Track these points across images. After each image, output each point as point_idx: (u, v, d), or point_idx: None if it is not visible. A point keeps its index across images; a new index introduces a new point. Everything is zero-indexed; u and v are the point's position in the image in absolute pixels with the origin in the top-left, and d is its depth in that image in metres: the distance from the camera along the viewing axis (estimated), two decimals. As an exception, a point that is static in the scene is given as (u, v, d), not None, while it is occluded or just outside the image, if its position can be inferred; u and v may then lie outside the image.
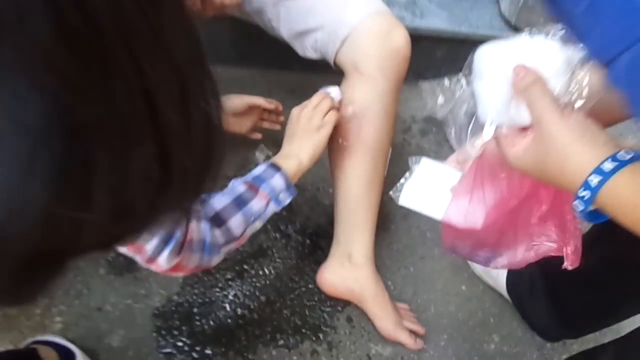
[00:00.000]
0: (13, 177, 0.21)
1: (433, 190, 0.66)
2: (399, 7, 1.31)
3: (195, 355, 0.96)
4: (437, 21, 1.32)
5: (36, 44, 0.20)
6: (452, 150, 1.17)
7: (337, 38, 0.91)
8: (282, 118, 1.16)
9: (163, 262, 0.67)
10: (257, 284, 1.05)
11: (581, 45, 0.50)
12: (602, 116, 0.52)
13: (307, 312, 1.02)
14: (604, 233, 0.82)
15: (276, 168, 0.81)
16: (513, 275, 1.03)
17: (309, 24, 0.93)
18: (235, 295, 1.03)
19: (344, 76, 0.95)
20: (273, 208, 0.80)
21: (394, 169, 1.17)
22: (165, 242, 0.66)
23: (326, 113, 0.86)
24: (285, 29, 0.97)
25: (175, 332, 0.98)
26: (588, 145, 0.46)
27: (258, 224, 0.80)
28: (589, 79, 0.51)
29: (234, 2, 0.90)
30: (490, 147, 0.58)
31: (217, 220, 0.74)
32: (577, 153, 0.46)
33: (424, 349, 1.00)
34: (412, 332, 0.99)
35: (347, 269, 0.98)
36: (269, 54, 1.38)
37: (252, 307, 1.02)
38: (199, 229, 0.71)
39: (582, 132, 0.47)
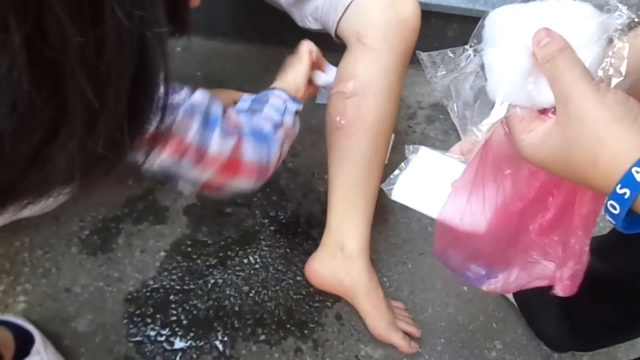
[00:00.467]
0: None
1: (431, 184, 0.57)
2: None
3: (166, 346, 0.88)
4: (449, -5, 1.20)
5: None
6: (459, 139, 1.07)
7: (340, 4, 0.84)
8: None
9: (216, 146, 0.63)
10: (241, 273, 0.97)
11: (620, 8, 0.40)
12: None
13: (293, 306, 0.94)
14: (626, 238, 0.73)
15: (268, 89, 0.80)
16: (520, 278, 0.96)
17: (310, -12, 0.86)
18: (215, 284, 0.95)
19: (345, 50, 0.87)
20: (293, 105, 0.79)
21: (396, 156, 1.09)
22: (204, 126, 0.62)
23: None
24: (284, -6, 0.90)
25: (148, 320, 0.90)
26: (631, 130, 0.35)
27: (288, 120, 0.77)
28: (628, 50, 0.41)
29: None
30: (497, 132, 0.48)
31: (250, 112, 0.75)
32: (616, 139, 0.35)
33: (418, 353, 0.91)
34: (407, 334, 0.91)
35: (339, 261, 0.90)
36: (268, 30, 1.30)
37: (233, 297, 0.94)
38: (238, 117, 0.70)
39: (624, 112, 0.36)
